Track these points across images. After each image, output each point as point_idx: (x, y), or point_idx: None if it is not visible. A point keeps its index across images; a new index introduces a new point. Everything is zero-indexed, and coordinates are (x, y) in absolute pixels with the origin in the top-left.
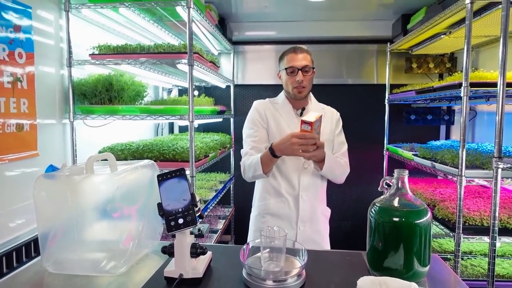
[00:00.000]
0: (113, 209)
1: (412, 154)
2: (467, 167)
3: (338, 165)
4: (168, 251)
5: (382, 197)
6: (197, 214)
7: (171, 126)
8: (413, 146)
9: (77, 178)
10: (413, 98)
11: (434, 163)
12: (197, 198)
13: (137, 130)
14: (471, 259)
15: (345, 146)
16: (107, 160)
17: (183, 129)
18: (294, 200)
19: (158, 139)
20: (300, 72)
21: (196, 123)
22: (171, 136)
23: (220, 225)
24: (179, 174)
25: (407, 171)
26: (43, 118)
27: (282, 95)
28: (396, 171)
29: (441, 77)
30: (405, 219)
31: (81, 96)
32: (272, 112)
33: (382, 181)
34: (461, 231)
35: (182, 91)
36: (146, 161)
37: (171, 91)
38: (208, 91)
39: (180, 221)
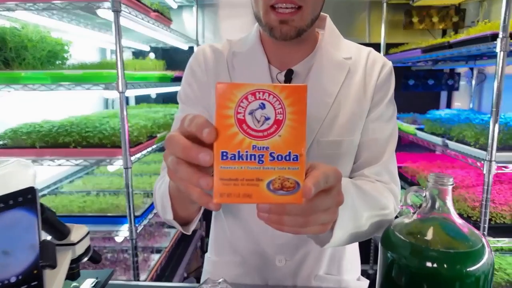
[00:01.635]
0: None
1: (416, 128)
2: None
3: (373, 215)
4: None
5: (404, 218)
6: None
7: (127, 97)
8: (415, 118)
9: None
10: (416, 59)
11: (447, 141)
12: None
13: (78, 104)
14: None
15: (392, 147)
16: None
17: (143, 99)
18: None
19: (84, 117)
20: None
21: (133, 93)
22: (104, 112)
23: (167, 240)
24: (22, 202)
25: (452, 178)
26: None
27: (254, 33)
28: (433, 177)
29: (444, 33)
30: (449, 266)
31: None
32: (226, 71)
33: (406, 194)
34: (486, 231)
35: (137, 55)
36: (12, 161)
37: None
38: (166, 54)
39: None
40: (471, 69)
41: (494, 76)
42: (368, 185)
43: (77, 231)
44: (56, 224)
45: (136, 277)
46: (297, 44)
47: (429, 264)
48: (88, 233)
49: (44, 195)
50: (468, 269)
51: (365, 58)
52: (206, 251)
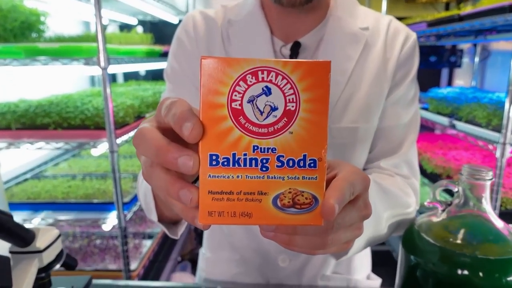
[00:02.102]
0: None
1: (420, 108)
2: None
3: (394, 216)
4: None
5: (431, 216)
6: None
7: (113, 75)
8: (420, 96)
9: None
10: (421, 33)
11: (455, 121)
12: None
13: (62, 82)
14: None
15: (413, 135)
16: None
17: (131, 76)
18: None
19: (65, 96)
20: None
21: (118, 69)
22: (88, 91)
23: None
24: None
25: (491, 172)
26: None
27: None
28: (467, 169)
29: (447, 7)
30: (486, 274)
31: None
32: (221, 43)
33: (434, 189)
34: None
35: (124, 29)
36: None
37: (106, 28)
38: (155, 28)
39: None
40: (474, 45)
41: (501, 52)
42: (388, 180)
43: (45, 235)
44: (14, 230)
45: (127, 266)
46: (305, 12)
47: (460, 271)
48: (59, 236)
49: (26, 179)
50: (508, 279)
51: (385, 28)
52: (201, 233)
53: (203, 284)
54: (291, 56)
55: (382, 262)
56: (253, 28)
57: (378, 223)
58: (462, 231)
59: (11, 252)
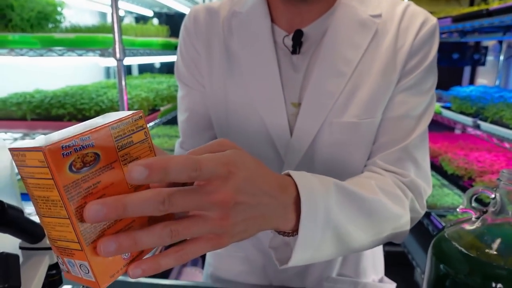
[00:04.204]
0: None
1: (441, 107)
2: None
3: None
4: None
5: (464, 224)
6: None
7: (128, 67)
8: (440, 94)
9: None
10: (446, 29)
11: (479, 121)
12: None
13: (77, 74)
14: None
15: (422, 127)
16: None
17: (146, 69)
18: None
19: (80, 87)
20: None
21: (133, 61)
22: (103, 82)
23: None
24: None
25: None
26: None
27: None
28: (506, 174)
29: (472, 3)
30: None
31: None
32: (221, 37)
33: (468, 195)
34: None
35: (140, 21)
36: None
37: (123, 19)
38: (171, 20)
39: None
40: (500, 42)
41: None
42: (370, 191)
43: None
44: (25, 226)
45: None
46: (311, 1)
47: (494, 284)
48: None
49: None
50: None
51: (400, 14)
52: None
53: (209, 284)
54: (293, 46)
55: (396, 263)
56: (254, 19)
57: (343, 237)
58: (498, 241)
59: (21, 248)
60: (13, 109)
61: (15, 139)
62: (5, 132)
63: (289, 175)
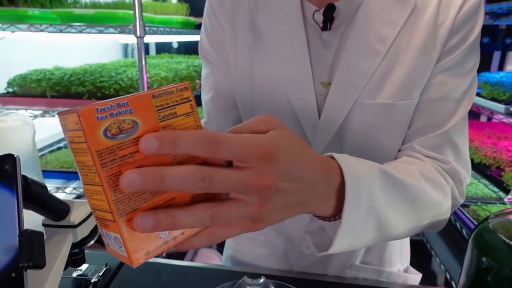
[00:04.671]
0: None
1: None
2: None
3: (410, 221)
4: None
5: (510, 214)
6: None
7: (146, 46)
8: None
9: None
10: None
11: None
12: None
13: (92, 50)
14: None
15: (463, 111)
16: None
17: (164, 49)
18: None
19: (99, 65)
20: None
21: (153, 39)
22: (122, 61)
23: None
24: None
25: None
26: None
27: None
28: None
29: None
30: None
31: None
32: (246, 12)
33: None
34: None
35: None
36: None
37: None
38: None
39: None
40: None
41: None
42: (413, 177)
43: (79, 209)
44: (48, 202)
45: None
46: None
47: None
48: None
49: (60, 148)
50: None
51: None
52: None
53: (229, 267)
54: (324, 22)
55: (414, 252)
56: None
57: (383, 225)
58: None
59: (44, 225)
60: (32, 85)
61: (35, 116)
62: (25, 109)
63: (332, 157)
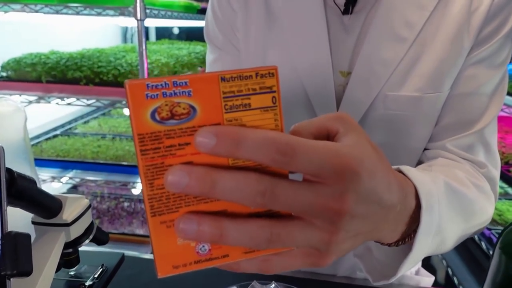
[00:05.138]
0: None
1: None
2: None
3: (463, 235)
4: None
5: None
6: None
7: (146, 30)
8: None
9: None
10: None
11: None
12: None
13: (90, 35)
14: None
15: (495, 108)
16: None
17: (164, 35)
18: None
19: (97, 50)
20: None
21: (154, 23)
22: (121, 46)
23: None
24: None
25: None
26: None
27: None
28: None
29: None
30: None
31: None
32: None
33: None
34: None
35: None
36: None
37: None
38: None
39: None
40: None
41: None
42: (466, 186)
43: (73, 206)
44: (38, 199)
45: None
46: None
47: None
48: (89, 206)
49: (56, 136)
50: None
51: None
52: None
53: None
54: (346, 5)
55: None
56: None
57: (441, 243)
58: None
59: (33, 222)
60: (27, 69)
61: (30, 102)
62: (20, 95)
63: (400, 171)
